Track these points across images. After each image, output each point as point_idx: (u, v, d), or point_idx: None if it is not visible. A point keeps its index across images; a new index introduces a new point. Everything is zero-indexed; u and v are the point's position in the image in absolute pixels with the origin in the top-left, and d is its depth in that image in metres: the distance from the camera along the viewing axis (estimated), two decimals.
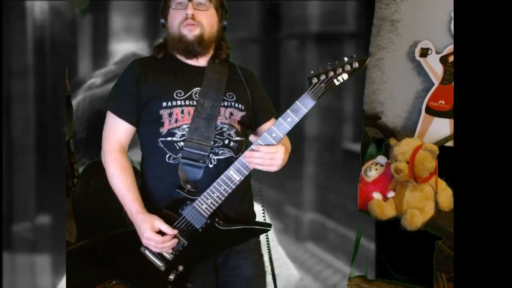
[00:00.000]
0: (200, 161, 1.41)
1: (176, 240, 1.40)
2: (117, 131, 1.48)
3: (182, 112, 1.44)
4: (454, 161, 2.02)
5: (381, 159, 2.86)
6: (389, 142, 2.76)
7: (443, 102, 2.99)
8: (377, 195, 2.73)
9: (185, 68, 1.52)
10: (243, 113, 1.52)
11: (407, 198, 2.64)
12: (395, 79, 3.20)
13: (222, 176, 1.38)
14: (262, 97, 1.62)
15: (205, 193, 1.39)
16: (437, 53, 3.00)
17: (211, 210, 1.40)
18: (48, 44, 2.19)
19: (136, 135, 1.53)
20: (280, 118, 1.34)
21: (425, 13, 3.02)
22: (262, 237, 1.65)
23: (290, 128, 1.34)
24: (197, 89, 1.47)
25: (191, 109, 1.44)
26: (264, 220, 1.59)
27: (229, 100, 1.50)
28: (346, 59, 1.32)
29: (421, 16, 3.04)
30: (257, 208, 1.62)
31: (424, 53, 3.03)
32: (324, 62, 1.33)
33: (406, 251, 2.65)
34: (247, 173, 1.38)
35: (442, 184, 2.67)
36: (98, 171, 1.51)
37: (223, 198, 1.39)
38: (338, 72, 1.30)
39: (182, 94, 1.46)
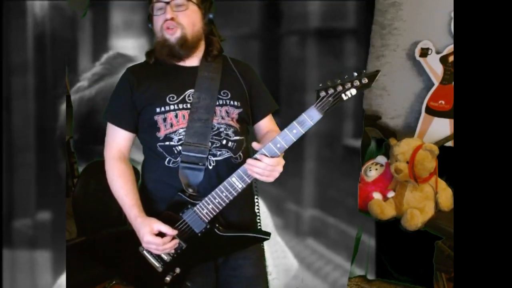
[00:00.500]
0: (200, 164, 1.41)
1: (177, 241, 1.40)
2: (117, 139, 1.50)
3: (176, 116, 1.43)
4: (454, 161, 2.02)
5: (381, 159, 2.86)
6: (389, 142, 2.76)
7: (443, 102, 2.99)
8: (377, 195, 2.74)
9: (177, 70, 1.50)
10: (239, 110, 1.49)
11: (407, 198, 2.64)
12: (395, 79, 3.20)
13: (225, 182, 1.37)
14: (260, 90, 1.59)
15: (206, 198, 1.38)
16: (437, 53, 3.00)
17: (212, 216, 1.39)
18: (48, 40, 2.19)
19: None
20: (286, 129, 1.32)
21: (425, 13, 3.03)
22: None
23: (295, 140, 1.32)
24: (190, 91, 1.45)
25: (186, 112, 1.43)
26: (260, 226, 1.59)
27: (224, 98, 1.48)
28: (355, 74, 1.29)
29: (421, 16, 3.05)
30: (263, 209, 1.61)
31: (424, 53, 3.03)
32: (324, 59, 1.31)
33: (406, 251, 2.66)
34: (249, 181, 1.36)
35: (442, 184, 2.67)
36: (98, 171, 1.52)
37: (224, 205, 1.38)
38: (347, 87, 1.28)
39: (175, 98, 1.44)
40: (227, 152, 1.45)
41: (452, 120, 2.96)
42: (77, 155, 2.59)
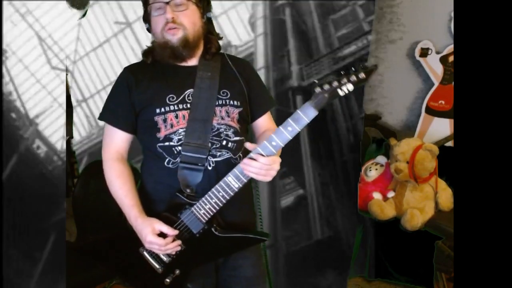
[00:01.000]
0: (199, 164, 1.40)
1: (179, 242, 1.39)
2: (115, 140, 1.49)
3: (177, 116, 1.42)
4: (454, 161, 2.02)
5: (381, 159, 2.85)
6: (389, 142, 2.76)
7: (443, 102, 2.99)
8: (377, 195, 2.73)
9: (176, 70, 1.48)
10: (239, 109, 1.48)
11: (407, 198, 2.64)
12: (395, 79, 3.20)
13: (221, 182, 1.36)
14: (258, 88, 1.58)
15: (203, 199, 1.37)
16: (437, 53, 3.00)
17: (209, 216, 1.38)
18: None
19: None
20: (280, 127, 1.30)
21: (425, 13, 3.02)
22: None
23: (291, 138, 1.30)
24: (189, 91, 1.44)
25: (185, 113, 1.42)
26: (261, 228, 1.58)
27: (224, 98, 1.46)
28: (352, 69, 1.27)
29: (421, 16, 3.04)
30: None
31: (424, 53, 3.03)
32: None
33: (406, 251, 2.65)
34: (246, 181, 1.35)
35: (442, 184, 2.67)
36: (98, 171, 1.51)
37: (221, 205, 1.37)
38: (342, 82, 1.26)
39: (175, 98, 1.43)
40: (227, 153, 1.44)
41: (452, 120, 2.96)
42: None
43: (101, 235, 1.52)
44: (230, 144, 1.45)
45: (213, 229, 1.40)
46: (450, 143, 2.92)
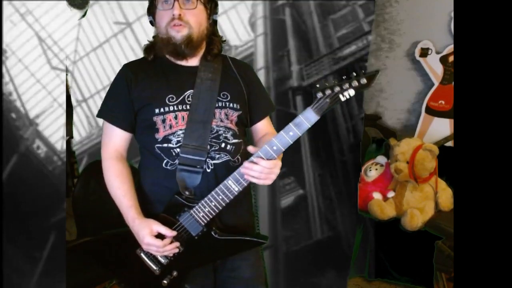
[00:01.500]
0: (197, 166, 1.39)
1: (177, 244, 1.39)
2: (113, 139, 1.47)
3: (176, 117, 1.41)
4: (454, 161, 2.02)
5: (381, 159, 2.86)
6: (389, 142, 2.76)
7: (443, 102, 2.99)
8: (377, 195, 2.73)
9: (176, 69, 1.47)
10: (239, 113, 1.47)
11: (407, 198, 2.64)
12: (395, 79, 3.20)
13: (221, 185, 1.35)
14: (258, 91, 1.57)
15: (202, 201, 1.36)
16: (437, 53, 3.00)
17: (208, 219, 1.38)
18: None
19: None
20: (282, 131, 1.30)
21: (425, 13, 3.03)
22: None
23: (291, 142, 1.30)
24: (189, 91, 1.43)
25: (185, 114, 1.41)
26: (258, 230, 1.58)
27: (224, 100, 1.45)
28: (354, 74, 1.26)
29: (421, 16, 3.04)
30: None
31: (424, 53, 3.03)
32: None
33: (406, 251, 2.65)
34: (245, 184, 1.34)
35: (442, 184, 2.67)
36: (98, 171, 1.50)
37: (220, 208, 1.36)
38: (344, 87, 1.26)
39: (174, 99, 1.42)
40: (226, 155, 1.43)
41: (452, 120, 2.96)
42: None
43: (97, 236, 1.51)
44: (229, 147, 1.44)
45: (212, 232, 1.39)
46: (450, 143, 2.92)
